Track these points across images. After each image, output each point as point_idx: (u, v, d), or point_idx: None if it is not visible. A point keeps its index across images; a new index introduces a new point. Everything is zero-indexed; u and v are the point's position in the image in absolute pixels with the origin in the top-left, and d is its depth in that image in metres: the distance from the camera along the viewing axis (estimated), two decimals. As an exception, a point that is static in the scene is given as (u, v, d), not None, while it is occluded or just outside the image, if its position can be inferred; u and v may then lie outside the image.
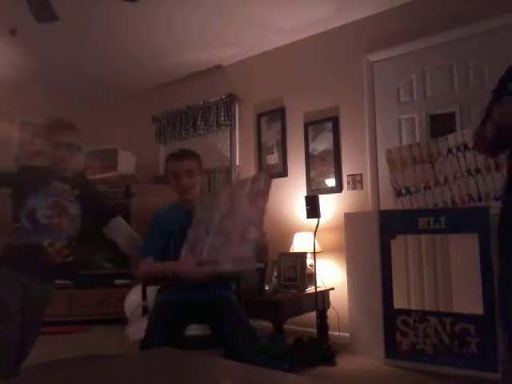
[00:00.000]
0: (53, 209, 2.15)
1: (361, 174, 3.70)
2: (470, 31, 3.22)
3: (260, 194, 1.95)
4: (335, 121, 3.87)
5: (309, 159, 4.02)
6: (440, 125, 3.38)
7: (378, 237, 3.13)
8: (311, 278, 3.43)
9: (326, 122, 3.92)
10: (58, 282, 2.40)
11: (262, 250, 2.07)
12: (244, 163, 4.51)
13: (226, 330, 1.94)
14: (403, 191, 3.32)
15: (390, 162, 3.39)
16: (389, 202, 3.43)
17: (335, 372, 2.96)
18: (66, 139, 2.22)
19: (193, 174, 2.27)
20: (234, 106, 4.60)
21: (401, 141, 3.54)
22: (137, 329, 2.16)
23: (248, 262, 1.89)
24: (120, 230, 2.37)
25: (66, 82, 5.04)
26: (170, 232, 2.20)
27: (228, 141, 4.66)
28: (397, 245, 3.10)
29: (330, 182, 3.86)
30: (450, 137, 3.17)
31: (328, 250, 3.71)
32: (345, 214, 3.45)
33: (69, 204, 2.20)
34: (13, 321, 2.04)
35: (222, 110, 4.60)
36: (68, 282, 4.23)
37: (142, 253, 2.21)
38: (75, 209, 2.22)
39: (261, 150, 4.38)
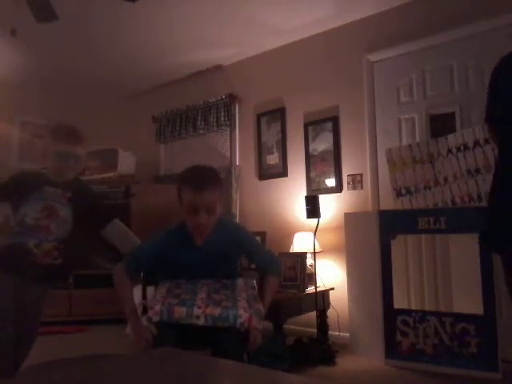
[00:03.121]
0: (41, 212, 2.10)
1: (361, 174, 3.70)
2: (470, 31, 3.23)
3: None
4: (335, 121, 3.87)
5: (309, 159, 4.02)
6: (440, 125, 3.38)
7: (378, 237, 3.13)
8: (311, 278, 3.43)
9: (325, 121, 3.92)
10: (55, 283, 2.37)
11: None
12: (244, 163, 4.51)
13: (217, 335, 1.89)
14: (403, 191, 3.32)
15: (390, 161, 3.39)
16: (389, 202, 3.43)
17: (335, 372, 2.96)
18: (68, 150, 2.10)
19: (213, 210, 1.84)
20: (234, 106, 4.60)
21: (401, 141, 3.54)
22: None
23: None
24: (118, 232, 2.33)
25: (66, 81, 5.04)
26: (166, 263, 1.96)
27: (228, 141, 4.66)
28: (397, 245, 3.10)
29: (330, 182, 3.86)
30: (450, 137, 3.17)
31: (328, 250, 3.72)
32: (345, 213, 3.45)
33: (60, 207, 2.15)
34: (9, 321, 2.02)
35: (222, 110, 4.60)
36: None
37: (125, 261, 2.05)
38: (67, 212, 2.16)
39: (261, 150, 4.38)
